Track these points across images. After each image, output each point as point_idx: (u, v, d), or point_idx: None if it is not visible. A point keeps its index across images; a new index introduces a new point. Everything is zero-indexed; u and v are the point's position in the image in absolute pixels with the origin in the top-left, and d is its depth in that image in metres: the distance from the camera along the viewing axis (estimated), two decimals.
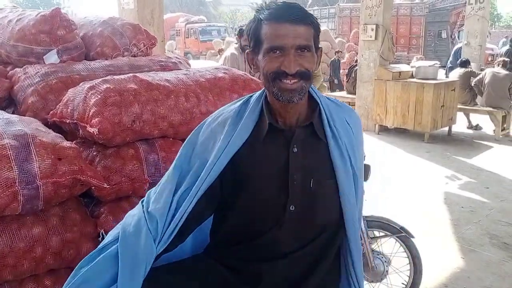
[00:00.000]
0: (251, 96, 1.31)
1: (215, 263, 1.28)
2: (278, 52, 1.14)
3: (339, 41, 13.67)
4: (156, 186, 1.26)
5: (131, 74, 1.71)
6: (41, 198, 1.37)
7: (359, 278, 1.32)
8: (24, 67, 2.05)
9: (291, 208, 1.21)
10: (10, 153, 1.32)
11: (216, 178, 1.21)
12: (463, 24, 12.18)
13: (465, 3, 10.76)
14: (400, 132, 7.03)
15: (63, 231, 1.47)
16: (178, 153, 1.28)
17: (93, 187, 1.46)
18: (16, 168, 1.32)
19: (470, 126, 7.47)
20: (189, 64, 2.48)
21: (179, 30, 22.91)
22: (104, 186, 1.43)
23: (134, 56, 2.42)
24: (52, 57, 2.17)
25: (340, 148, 1.24)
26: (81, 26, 2.50)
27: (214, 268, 1.27)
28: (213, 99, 1.81)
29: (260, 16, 1.18)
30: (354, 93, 7.61)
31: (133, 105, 1.57)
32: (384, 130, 7.14)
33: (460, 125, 7.37)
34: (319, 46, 1.23)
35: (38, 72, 1.96)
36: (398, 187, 4.65)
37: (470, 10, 10.19)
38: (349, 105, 6.17)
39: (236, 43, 4.87)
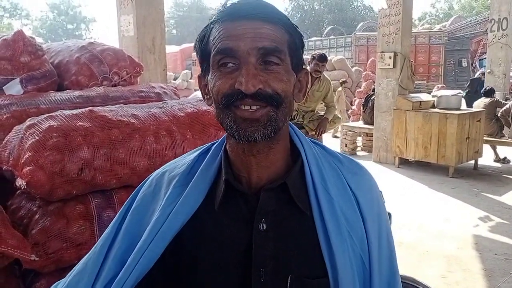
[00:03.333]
0: (211, 145, 0.90)
1: None
2: (231, 64, 0.75)
3: (355, 69, 13.40)
4: (70, 272, 0.87)
5: (88, 108, 1.38)
6: None
7: None
8: None
9: None
10: None
11: (151, 267, 0.80)
12: (484, 52, 11.78)
13: (486, 30, 10.40)
14: (422, 166, 6.57)
15: None
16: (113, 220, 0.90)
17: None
18: None
19: (498, 159, 6.98)
20: (177, 95, 2.14)
21: (195, 60, 23.04)
22: (31, 258, 1.07)
23: (115, 85, 2.11)
24: (14, 88, 1.86)
25: (336, 225, 0.79)
26: (57, 52, 2.21)
27: None
28: (192, 138, 1.45)
29: (211, 20, 0.80)
30: (371, 123, 7.23)
31: (82, 148, 1.22)
32: (404, 163, 6.68)
33: (487, 159, 6.87)
34: (304, 65, 0.83)
35: None
36: (421, 229, 4.19)
37: (493, 38, 9.79)
38: (367, 135, 5.72)
39: None
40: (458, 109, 6.32)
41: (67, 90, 1.90)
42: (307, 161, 0.83)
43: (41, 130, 1.22)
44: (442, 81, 16.37)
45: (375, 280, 0.81)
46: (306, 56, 7.71)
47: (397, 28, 6.59)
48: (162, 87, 2.07)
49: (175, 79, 14.72)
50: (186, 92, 12.66)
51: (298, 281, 0.78)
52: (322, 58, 4.77)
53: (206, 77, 0.80)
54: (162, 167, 0.92)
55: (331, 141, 8.52)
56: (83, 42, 2.24)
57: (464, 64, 16.62)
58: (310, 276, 0.79)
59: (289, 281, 0.78)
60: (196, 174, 0.84)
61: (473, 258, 3.56)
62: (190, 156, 0.90)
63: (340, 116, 5.54)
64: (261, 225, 0.79)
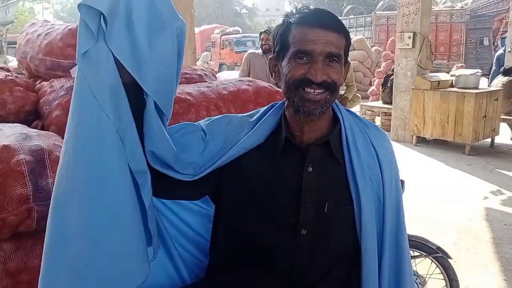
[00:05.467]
0: (269, 108, 1.22)
1: None
2: (305, 58, 1.05)
3: (375, 49, 13.43)
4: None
5: None
6: None
7: None
8: (50, 80, 2.06)
9: (302, 232, 1.11)
10: (25, 169, 1.30)
11: (214, 170, 1.13)
12: (506, 31, 11.70)
13: (509, 8, 10.31)
14: (439, 144, 6.76)
15: None
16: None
17: None
18: (30, 184, 1.30)
19: None
20: (215, 77, 2.44)
21: (215, 41, 23.21)
22: None
23: None
24: None
25: (361, 171, 1.12)
26: None
27: None
28: (235, 112, 1.75)
29: (290, 20, 1.10)
30: (390, 103, 7.41)
31: None
32: (422, 141, 6.88)
33: (503, 137, 7.02)
34: (348, 59, 1.14)
35: (63, 85, 1.96)
36: (437, 201, 4.44)
37: None
38: (385, 115, 5.99)
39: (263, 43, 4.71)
40: (476, 88, 6.45)
41: None
42: (344, 126, 1.15)
43: None
44: (463, 60, 16.24)
45: (387, 209, 1.14)
46: None
47: (416, 8, 6.71)
48: (202, 69, 2.37)
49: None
50: None
51: (332, 206, 1.11)
52: None
53: (280, 60, 1.11)
54: (234, 114, 1.27)
55: None
56: None
57: (486, 43, 16.42)
58: (341, 203, 1.13)
59: (326, 207, 1.11)
60: (258, 124, 1.17)
61: (483, 228, 3.81)
62: (255, 113, 1.23)
63: (359, 95, 5.77)
64: (309, 168, 1.12)
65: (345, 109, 1.22)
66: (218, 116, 1.25)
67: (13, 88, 2.00)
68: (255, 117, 1.21)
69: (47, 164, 1.34)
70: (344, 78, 1.14)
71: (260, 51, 4.76)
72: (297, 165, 1.13)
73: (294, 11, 1.12)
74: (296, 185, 1.12)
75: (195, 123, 1.21)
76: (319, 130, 1.15)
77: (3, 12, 11.42)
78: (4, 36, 10.94)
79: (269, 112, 1.20)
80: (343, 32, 1.08)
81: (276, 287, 1.15)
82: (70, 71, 2.18)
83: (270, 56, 1.19)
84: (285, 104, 1.18)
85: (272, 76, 1.19)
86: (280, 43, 1.11)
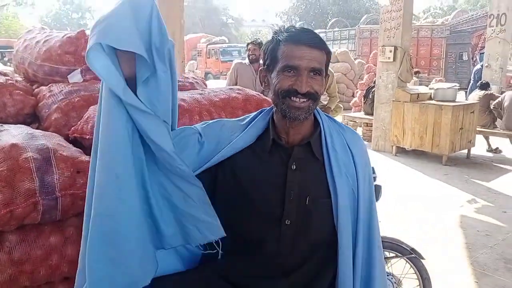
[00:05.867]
0: (258, 113, 1.39)
1: (217, 277, 1.32)
2: (292, 71, 1.23)
3: (358, 62, 13.74)
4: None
5: None
6: (59, 209, 1.45)
7: None
8: (49, 85, 2.16)
9: (286, 222, 1.27)
10: (32, 166, 1.41)
11: (211, 166, 1.30)
12: (484, 46, 12.13)
13: (487, 25, 10.72)
14: (418, 154, 7.00)
15: (79, 241, 1.54)
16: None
17: None
18: (37, 180, 1.41)
19: (490, 149, 7.39)
20: (205, 84, 2.57)
21: (201, 50, 23.38)
22: None
23: None
24: (75, 77, 2.28)
25: (338, 168, 1.28)
26: None
27: (216, 282, 1.31)
28: (226, 117, 1.88)
29: (279, 37, 1.27)
30: (372, 114, 7.63)
31: None
32: (401, 151, 7.11)
33: (480, 148, 7.29)
34: (331, 70, 1.32)
35: (62, 90, 2.07)
36: (413, 208, 4.63)
37: (491, 33, 10.15)
38: (367, 125, 6.24)
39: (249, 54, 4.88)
40: (454, 101, 6.71)
41: None
42: (323, 130, 1.33)
43: None
44: (443, 74, 16.69)
45: (361, 202, 1.31)
46: None
47: (398, 24, 6.97)
48: (193, 77, 2.50)
49: None
50: None
51: (312, 199, 1.27)
52: None
53: (270, 72, 1.28)
54: (227, 119, 1.43)
55: None
56: None
57: (465, 57, 16.93)
58: (320, 197, 1.29)
59: (307, 200, 1.27)
60: (249, 127, 1.33)
61: (457, 234, 4.00)
62: (246, 118, 1.40)
63: (341, 105, 5.97)
64: (293, 165, 1.29)
65: (325, 114, 1.39)
66: (213, 121, 1.41)
67: (13, 92, 2.10)
68: (245, 121, 1.37)
69: (52, 162, 1.46)
70: (325, 88, 1.30)
71: (247, 61, 4.92)
72: (283, 163, 1.29)
73: (282, 29, 1.29)
74: (281, 181, 1.28)
75: (193, 127, 1.37)
76: (302, 133, 1.32)
77: None
78: None
79: (258, 117, 1.37)
80: (325, 50, 1.26)
81: (264, 272, 1.29)
82: (68, 76, 2.29)
83: (260, 68, 1.35)
84: (273, 110, 1.34)
85: (262, 85, 1.36)
86: (270, 57, 1.28)
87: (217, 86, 3.81)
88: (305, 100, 1.23)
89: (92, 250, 1.17)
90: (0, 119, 2.03)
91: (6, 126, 1.63)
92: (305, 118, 1.26)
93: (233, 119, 1.42)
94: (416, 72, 11.57)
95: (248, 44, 4.93)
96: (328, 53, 1.28)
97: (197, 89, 2.29)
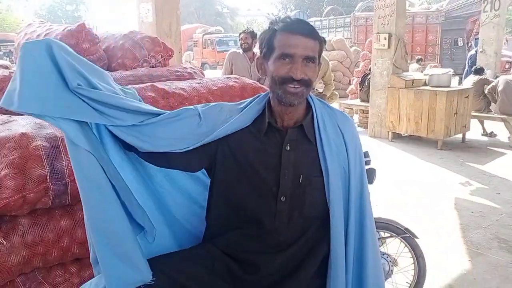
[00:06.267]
0: (253, 99, 1.47)
1: (220, 252, 1.41)
2: (287, 59, 1.30)
3: (354, 49, 13.77)
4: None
5: (149, 84, 1.88)
6: (69, 194, 1.54)
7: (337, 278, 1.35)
8: None
9: (282, 199, 1.36)
10: (42, 153, 1.49)
11: (208, 147, 1.39)
12: (479, 32, 12.18)
13: (481, 10, 10.76)
14: (413, 139, 7.09)
15: None
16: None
17: None
18: (47, 167, 1.48)
19: (485, 133, 7.49)
20: (203, 74, 2.64)
21: (197, 41, 23.32)
22: None
23: (153, 67, 2.60)
24: None
25: (329, 149, 1.36)
26: (104, 39, 2.69)
27: (220, 257, 1.41)
28: None
29: (275, 27, 1.34)
30: (368, 101, 7.71)
31: None
32: (397, 137, 7.20)
33: (475, 133, 7.39)
34: (326, 58, 1.41)
35: None
36: (409, 191, 4.73)
37: (485, 18, 10.20)
38: (363, 112, 6.32)
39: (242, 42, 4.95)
40: (448, 86, 6.79)
41: (119, 70, 2.39)
42: (315, 113, 1.41)
43: None
44: (439, 60, 16.73)
45: (352, 180, 1.39)
46: None
47: (392, 11, 7.02)
48: (191, 67, 2.57)
49: None
50: None
51: (305, 177, 1.36)
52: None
53: (266, 60, 1.35)
54: (225, 103, 1.51)
55: None
56: (125, 31, 2.72)
57: (460, 43, 16.97)
58: (312, 175, 1.37)
59: (301, 178, 1.36)
60: (245, 110, 1.42)
61: (452, 215, 4.11)
62: (243, 102, 1.47)
63: (336, 93, 6.04)
64: (287, 146, 1.37)
65: (317, 99, 1.47)
66: (213, 104, 1.48)
67: None
68: (242, 105, 1.46)
69: (61, 149, 1.53)
70: (318, 75, 1.37)
71: (240, 50, 4.99)
72: (278, 145, 1.38)
73: (278, 19, 1.36)
74: (277, 161, 1.37)
75: (193, 107, 1.45)
76: (296, 117, 1.40)
77: None
78: None
79: (254, 101, 1.45)
80: (318, 39, 1.34)
81: (262, 247, 1.38)
82: None
83: (257, 56, 1.43)
84: (269, 95, 1.42)
85: (259, 72, 1.44)
86: (267, 46, 1.36)
87: (214, 76, 3.89)
88: (299, 86, 1.30)
89: (99, 248, 1.27)
90: (6, 111, 2.10)
91: (14, 117, 1.70)
92: (299, 103, 1.35)
93: (231, 103, 1.50)
94: (418, 60, 11.73)
95: (240, 33, 5.00)
96: (321, 42, 1.35)
97: (195, 78, 2.36)
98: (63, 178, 1.51)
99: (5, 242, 1.47)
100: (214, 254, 1.41)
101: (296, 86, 1.30)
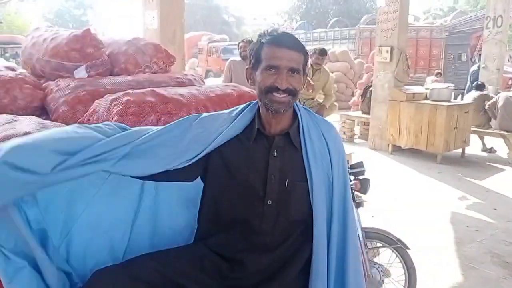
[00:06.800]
0: (246, 106, 1.54)
1: (210, 251, 1.48)
2: (273, 70, 1.39)
3: (358, 61, 13.85)
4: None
5: (149, 89, 1.94)
6: None
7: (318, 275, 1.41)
8: (56, 80, 2.30)
9: (268, 202, 1.43)
10: None
11: (202, 157, 1.44)
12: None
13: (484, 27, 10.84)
14: (413, 153, 7.13)
15: None
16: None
17: None
18: None
19: (485, 149, 7.52)
20: (203, 81, 2.71)
21: (202, 48, 23.44)
22: None
23: (154, 73, 2.66)
24: (81, 72, 2.42)
25: (313, 155, 1.43)
26: (108, 44, 2.76)
27: (209, 255, 1.47)
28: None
29: (263, 40, 1.42)
30: (369, 113, 7.76)
31: (150, 115, 1.80)
32: (397, 150, 7.24)
33: (474, 148, 7.42)
34: (306, 72, 1.49)
35: (68, 85, 2.20)
36: (406, 204, 4.77)
37: (488, 34, 10.28)
38: (364, 124, 6.41)
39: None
40: (448, 101, 6.84)
41: (121, 75, 2.46)
42: (301, 121, 1.48)
43: (122, 102, 1.79)
44: (442, 74, 16.77)
45: (335, 186, 1.46)
46: (310, 47, 8.20)
47: (394, 24, 7.10)
48: (192, 74, 2.64)
49: None
50: None
51: (291, 182, 1.43)
52: (322, 52, 5.36)
53: (255, 70, 1.43)
54: (219, 112, 1.57)
55: None
56: (129, 37, 2.79)
57: (464, 58, 17.01)
58: (297, 180, 1.44)
59: (286, 183, 1.43)
60: (237, 119, 1.48)
61: (446, 229, 4.14)
62: (235, 109, 1.54)
63: (336, 104, 6.11)
64: (274, 153, 1.44)
65: (303, 107, 1.55)
66: (207, 114, 1.55)
67: (22, 86, 2.24)
68: (234, 113, 1.53)
69: None
70: (303, 84, 1.46)
71: (239, 58, 5.10)
72: (265, 151, 1.46)
73: (266, 32, 1.45)
74: (264, 166, 1.44)
75: (188, 118, 1.52)
76: (283, 124, 1.48)
77: None
78: None
79: (246, 109, 1.53)
80: (302, 51, 1.43)
81: (250, 247, 1.45)
82: (74, 72, 2.42)
83: (246, 67, 1.51)
84: (258, 105, 1.50)
85: (248, 82, 1.52)
86: (255, 57, 1.44)
87: (217, 83, 3.96)
88: (285, 95, 1.39)
89: None
90: (11, 111, 2.16)
91: (18, 117, 1.76)
92: (285, 111, 1.43)
93: (224, 111, 1.57)
94: (437, 74, 11.90)
95: (239, 42, 5.13)
96: (306, 54, 1.45)
97: (195, 85, 2.42)
98: None
99: None
100: (204, 252, 1.47)
101: (281, 95, 1.38)
